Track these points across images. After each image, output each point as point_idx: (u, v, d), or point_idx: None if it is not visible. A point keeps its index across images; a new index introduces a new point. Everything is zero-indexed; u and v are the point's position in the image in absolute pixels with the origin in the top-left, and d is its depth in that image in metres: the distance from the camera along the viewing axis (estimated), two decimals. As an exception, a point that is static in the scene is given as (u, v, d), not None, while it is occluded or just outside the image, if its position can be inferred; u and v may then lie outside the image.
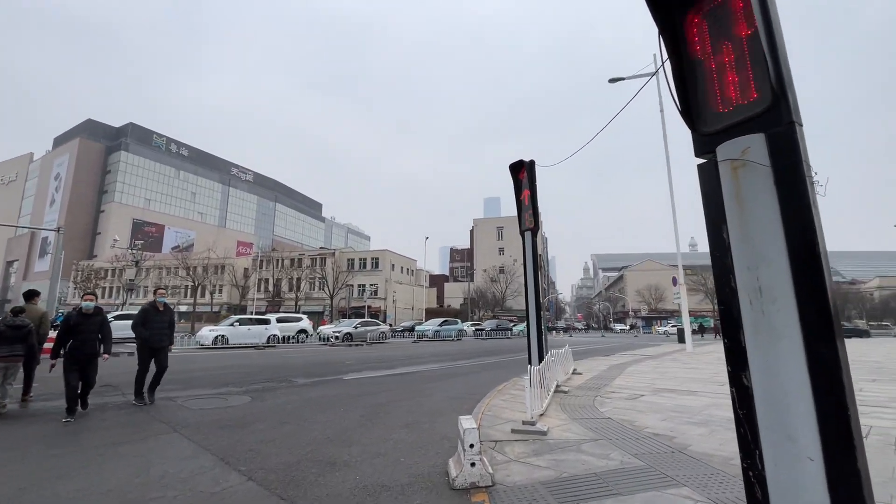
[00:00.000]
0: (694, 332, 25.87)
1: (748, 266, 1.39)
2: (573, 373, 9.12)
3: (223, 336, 18.50)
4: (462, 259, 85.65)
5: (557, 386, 7.00)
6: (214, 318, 40.02)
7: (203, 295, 49.33)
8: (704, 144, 1.55)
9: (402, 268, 63.55)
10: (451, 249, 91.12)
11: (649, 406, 5.66)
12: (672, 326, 53.88)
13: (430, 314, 47.11)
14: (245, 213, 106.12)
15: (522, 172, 7.91)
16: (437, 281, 76.55)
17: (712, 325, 44.32)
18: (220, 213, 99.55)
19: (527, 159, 7.87)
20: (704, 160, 1.58)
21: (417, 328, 29.20)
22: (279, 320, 22.43)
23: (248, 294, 52.55)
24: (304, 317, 26.77)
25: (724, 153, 1.47)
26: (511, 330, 34.05)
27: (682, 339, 23.93)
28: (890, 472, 3.16)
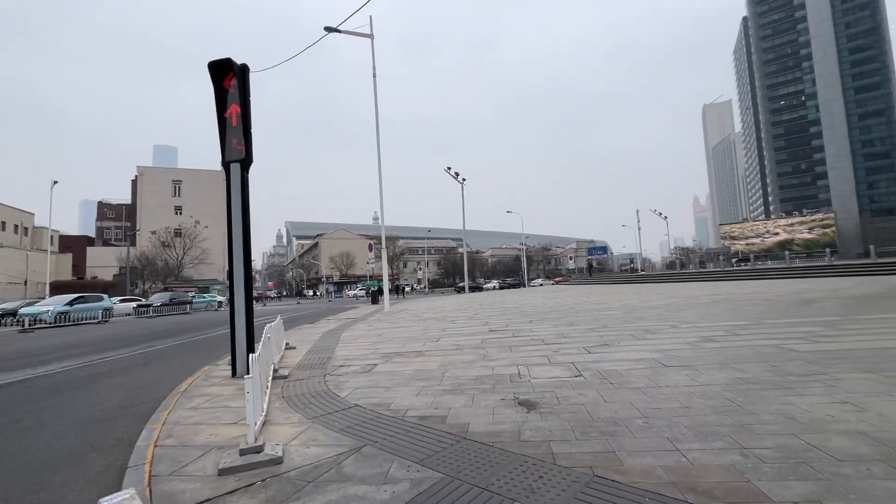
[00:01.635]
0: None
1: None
2: (286, 347, 7.54)
3: None
4: (118, 217, 65.81)
5: (275, 371, 5.31)
6: None
7: None
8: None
9: (2, 223, 42.78)
10: (101, 204, 68.49)
11: (391, 378, 4.87)
12: (360, 290, 58.90)
13: (59, 289, 33.29)
14: None
15: (230, 79, 5.53)
16: (74, 244, 55.49)
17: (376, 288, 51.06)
18: None
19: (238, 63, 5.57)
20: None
21: (24, 310, 19.56)
22: None
23: None
24: None
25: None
26: (191, 303, 28.23)
27: (374, 300, 25.84)
28: (629, 407, 3.34)
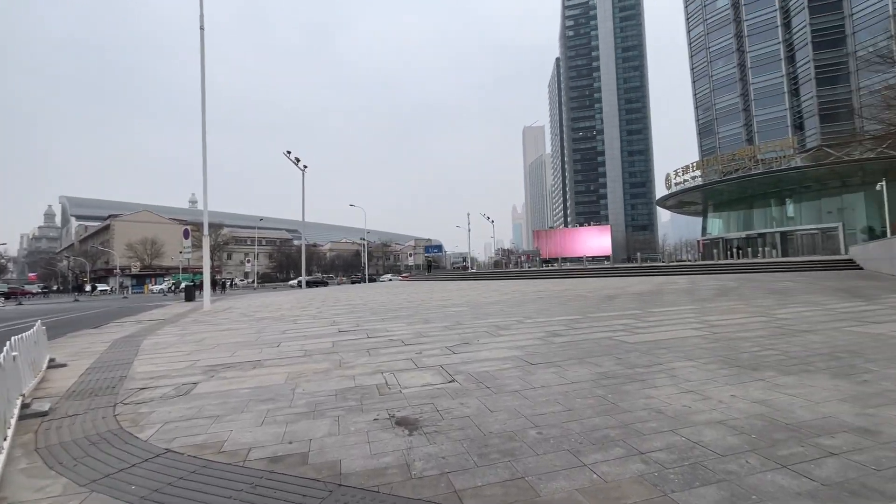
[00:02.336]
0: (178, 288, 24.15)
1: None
2: (48, 366, 5.36)
3: None
4: None
5: (24, 406, 3.55)
6: None
7: None
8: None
9: None
10: None
11: (220, 401, 3.72)
12: (169, 284, 49.57)
13: None
14: None
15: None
16: None
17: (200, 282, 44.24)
18: None
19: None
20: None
21: None
22: None
23: None
24: None
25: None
26: None
27: (190, 297, 21.77)
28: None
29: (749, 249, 50.29)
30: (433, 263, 60.08)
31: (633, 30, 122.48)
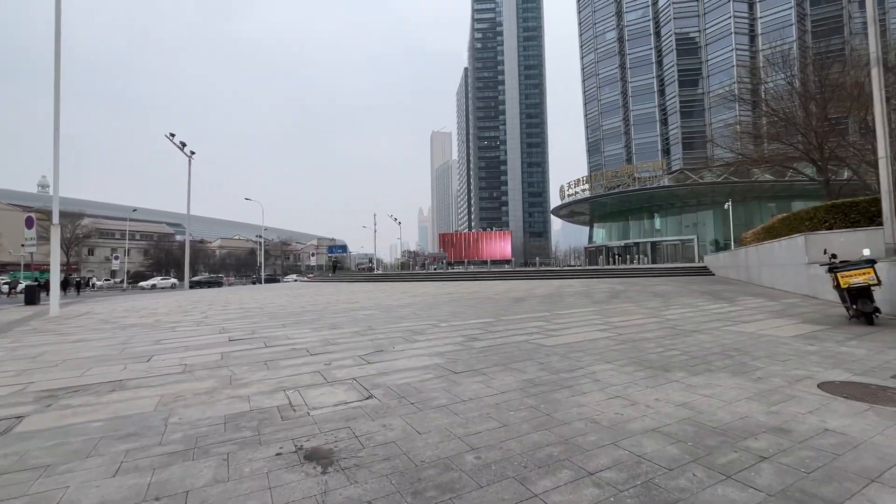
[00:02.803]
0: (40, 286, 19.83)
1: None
2: None
3: None
4: None
5: None
6: None
7: None
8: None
9: None
10: None
11: (56, 443, 2.77)
12: (4, 283, 40.49)
13: None
14: None
15: None
16: None
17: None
18: None
19: None
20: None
21: None
22: None
23: None
24: None
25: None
26: None
27: (32, 300, 17.84)
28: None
29: (627, 256, 56.87)
30: (338, 264, 57.56)
31: (535, 50, 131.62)
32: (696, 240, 51.27)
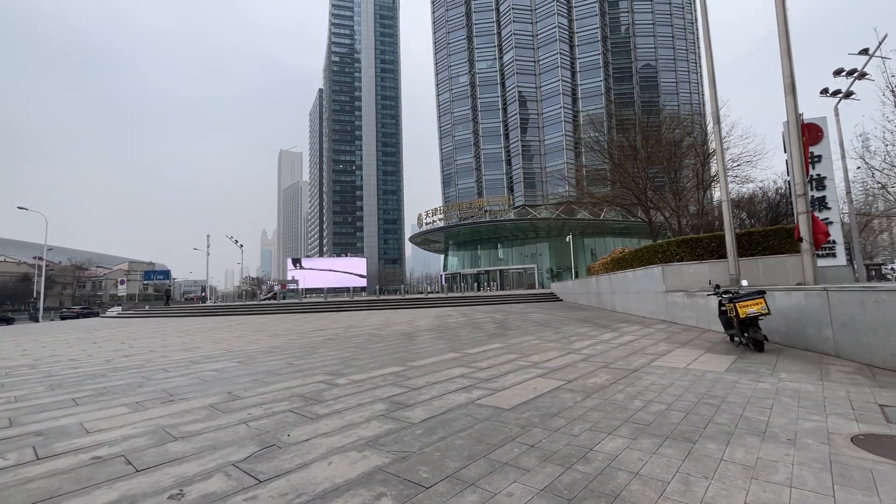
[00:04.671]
0: None
1: None
2: None
3: None
4: None
5: None
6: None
7: None
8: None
9: None
10: None
11: None
12: None
13: None
14: None
15: None
16: None
17: None
18: None
19: None
20: None
21: None
22: None
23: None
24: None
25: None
26: None
27: None
28: None
29: (478, 283, 60.42)
30: (170, 293, 46.54)
31: (392, 82, 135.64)
32: (535, 268, 57.40)
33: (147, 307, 42.71)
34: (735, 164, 20.83)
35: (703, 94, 75.85)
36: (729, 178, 21.70)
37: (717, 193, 25.05)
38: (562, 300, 27.57)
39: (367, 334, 11.74)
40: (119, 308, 54.16)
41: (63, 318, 45.92)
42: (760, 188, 24.43)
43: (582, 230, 54.91)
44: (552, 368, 6.12)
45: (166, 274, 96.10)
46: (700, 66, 77.92)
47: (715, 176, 21.47)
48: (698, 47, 77.65)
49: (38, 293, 46.99)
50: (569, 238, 43.22)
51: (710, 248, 11.75)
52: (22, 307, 68.90)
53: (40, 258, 55.20)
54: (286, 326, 15.54)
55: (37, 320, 41.33)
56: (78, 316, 48.42)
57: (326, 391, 5.24)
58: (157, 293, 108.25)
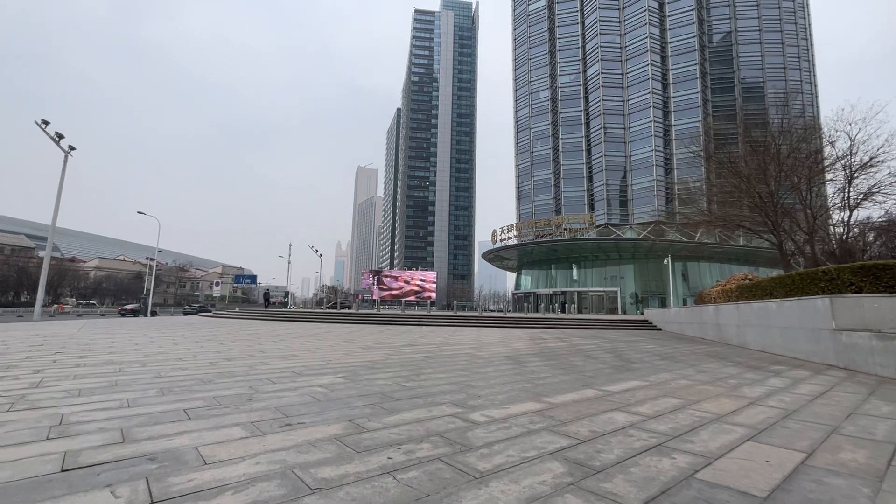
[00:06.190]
0: None
1: None
2: None
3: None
4: None
5: None
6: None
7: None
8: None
9: None
10: None
11: None
12: None
13: None
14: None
15: None
16: None
17: None
18: None
19: None
20: None
21: None
22: None
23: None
24: None
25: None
26: None
27: None
28: None
29: (553, 304, 57.49)
30: (270, 297, 47.46)
31: (468, 100, 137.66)
32: (618, 292, 53.42)
33: (237, 308, 45.61)
34: (896, 178, 17.27)
35: (817, 107, 67.54)
36: (888, 198, 18.04)
37: (866, 213, 21.15)
38: (660, 329, 24.72)
39: (465, 354, 10.68)
40: (237, 307, 58.30)
41: (125, 315, 48.01)
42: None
43: (674, 253, 50.35)
44: (753, 427, 4.56)
45: (253, 279, 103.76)
46: (814, 76, 69.56)
47: (867, 192, 17.97)
48: (812, 55, 69.42)
49: (147, 290, 52.40)
50: (667, 261, 39.45)
51: (906, 279, 9.25)
52: (130, 300, 77.33)
53: (151, 258, 61.93)
54: (374, 339, 15.01)
55: (143, 314, 45.77)
56: (135, 314, 49.45)
57: (468, 431, 4.18)
58: (244, 296, 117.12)
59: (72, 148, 26.71)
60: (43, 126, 24.87)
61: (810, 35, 69.40)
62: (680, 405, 5.53)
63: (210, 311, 44.48)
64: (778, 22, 66.14)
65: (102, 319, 34.34)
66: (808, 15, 70.57)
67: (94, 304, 68.09)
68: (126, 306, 51.86)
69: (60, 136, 25.72)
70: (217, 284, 65.17)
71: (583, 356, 10.76)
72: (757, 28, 65.36)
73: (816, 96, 69.41)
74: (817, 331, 10.38)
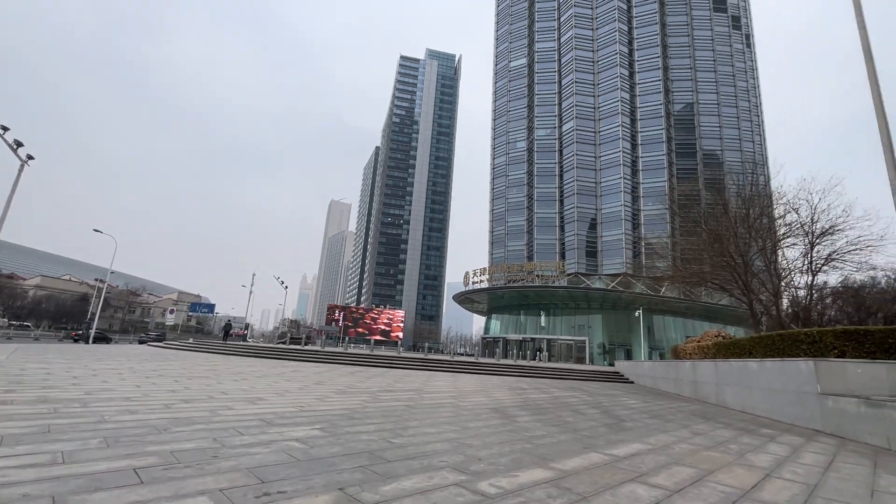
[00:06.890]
0: None
1: None
2: None
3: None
4: None
5: None
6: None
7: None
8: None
9: None
10: None
11: None
12: None
13: None
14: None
15: None
16: None
17: None
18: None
19: None
20: None
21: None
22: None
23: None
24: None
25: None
26: None
27: None
28: None
29: (522, 351, 56.98)
30: (231, 329, 43.30)
31: (446, 144, 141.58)
32: (587, 342, 53.64)
33: (191, 339, 42.63)
34: (853, 247, 18.36)
35: (768, 178, 73.08)
36: (846, 265, 19.03)
37: (823, 278, 22.22)
38: (633, 382, 24.55)
39: (448, 404, 9.97)
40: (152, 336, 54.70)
41: (69, 340, 42.92)
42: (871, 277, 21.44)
43: (640, 305, 51.52)
44: (788, 508, 4.16)
45: (211, 308, 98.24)
46: (765, 150, 75.91)
47: (827, 258, 18.95)
48: (763, 130, 76.14)
49: (93, 314, 48.46)
50: (638, 312, 40.09)
51: (886, 346, 9.41)
52: (68, 326, 71.35)
53: (101, 280, 57.78)
54: (346, 381, 13.99)
55: (84, 341, 41.89)
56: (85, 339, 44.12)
57: (482, 509, 3.57)
58: (198, 326, 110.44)
59: (30, 157, 25.01)
60: (1, 132, 23.27)
61: (761, 113, 76.57)
62: (696, 475, 5.10)
63: (161, 342, 41.25)
64: (734, 98, 72.77)
65: (37, 344, 31.16)
66: (760, 95, 78.21)
67: (28, 325, 62.41)
68: (88, 331, 45.80)
69: (19, 144, 24.11)
70: (171, 312, 61.18)
71: (570, 411, 10.26)
72: (715, 102, 71.58)
73: (767, 167, 75.38)
74: (801, 394, 10.34)
